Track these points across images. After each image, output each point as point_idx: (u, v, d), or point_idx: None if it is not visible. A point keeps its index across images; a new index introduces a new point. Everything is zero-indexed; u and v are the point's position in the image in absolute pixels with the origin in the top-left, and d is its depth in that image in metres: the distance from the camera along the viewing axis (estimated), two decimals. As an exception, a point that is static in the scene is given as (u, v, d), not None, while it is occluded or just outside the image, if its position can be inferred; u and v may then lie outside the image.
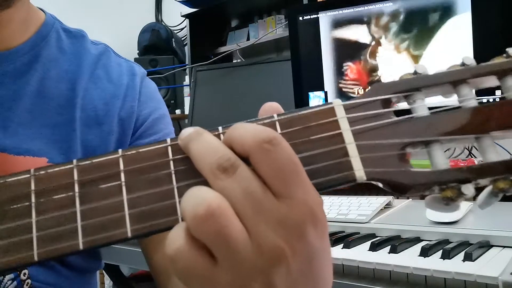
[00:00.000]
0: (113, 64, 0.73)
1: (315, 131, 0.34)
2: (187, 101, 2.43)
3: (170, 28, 2.79)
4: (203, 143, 0.32)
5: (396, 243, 0.82)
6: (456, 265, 0.72)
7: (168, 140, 0.34)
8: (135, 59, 2.52)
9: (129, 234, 0.32)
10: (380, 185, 0.35)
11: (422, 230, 0.89)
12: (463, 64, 0.36)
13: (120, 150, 0.34)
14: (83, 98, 0.68)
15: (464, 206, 0.94)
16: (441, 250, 0.77)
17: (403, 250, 0.82)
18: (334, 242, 0.88)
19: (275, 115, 0.35)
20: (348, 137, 0.34)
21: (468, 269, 0.70)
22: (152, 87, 0.76)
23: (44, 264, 0.63)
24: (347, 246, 0.86)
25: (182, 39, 2.82)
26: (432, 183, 0.34)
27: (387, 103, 0.36)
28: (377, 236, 0.92)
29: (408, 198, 1.14)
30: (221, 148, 0.32)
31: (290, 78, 1.49)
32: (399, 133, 0.35)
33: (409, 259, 0.78)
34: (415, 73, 0.36)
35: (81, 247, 0.32)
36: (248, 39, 2.57)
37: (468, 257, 0.74)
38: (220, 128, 0.34)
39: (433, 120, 0.35)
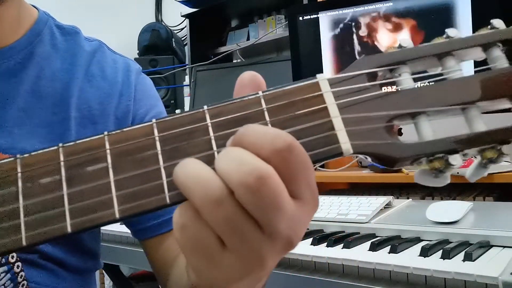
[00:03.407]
0: (108, 61, 0.72)
1: (300, 106, 0.34)
2: (187, 101, 2.43)
3: (170, 28, 2.79)
4: (193, 177, 0.31)
5: (396, 243, 0.82)
6: (456, 265, 0.72)
7: (154, 119, 0.34)
8: (135, 59, 2.51)
9: (117, 215, 0.32)
10: (368, 158, 0.35)
11: (422, 230, 0.89)
12: (447, 37, 0.36)
13: (105, 132, 0.34)
14: (78, 98, 0.67)
15: (464, 206, 0.94)
16: (441, 250, 0.77)
17: (403, 250, 0.82)
18: (334, 242, 0.88)
19: (260, 92, 0.35)
20: (333, 111, 0.34)
21: (468, 269, 0.70)
22: (147, 84, 0.75)
23: (41, 266, 0.63)
24: (347, 246, 0.85)
25: (182, 39, 2.82)
26: (420, 155, 0.34)
27: (372, 77, 0.35)
28: (377, 236, 0.92)
29: (408, 198, 1.14)
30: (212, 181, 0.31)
31: (290, 78, 1.49)
32: (385, 106, 0.35)
33: (409, 259, 0.77)
34: (400, 46, 0.36)
35: (69, 229, 0.32)
36: (248, 39, 2.56)
37: (468, 257, 0.74)
38: (205, 106, 0.34)
39: (419, 92, 0.35)
